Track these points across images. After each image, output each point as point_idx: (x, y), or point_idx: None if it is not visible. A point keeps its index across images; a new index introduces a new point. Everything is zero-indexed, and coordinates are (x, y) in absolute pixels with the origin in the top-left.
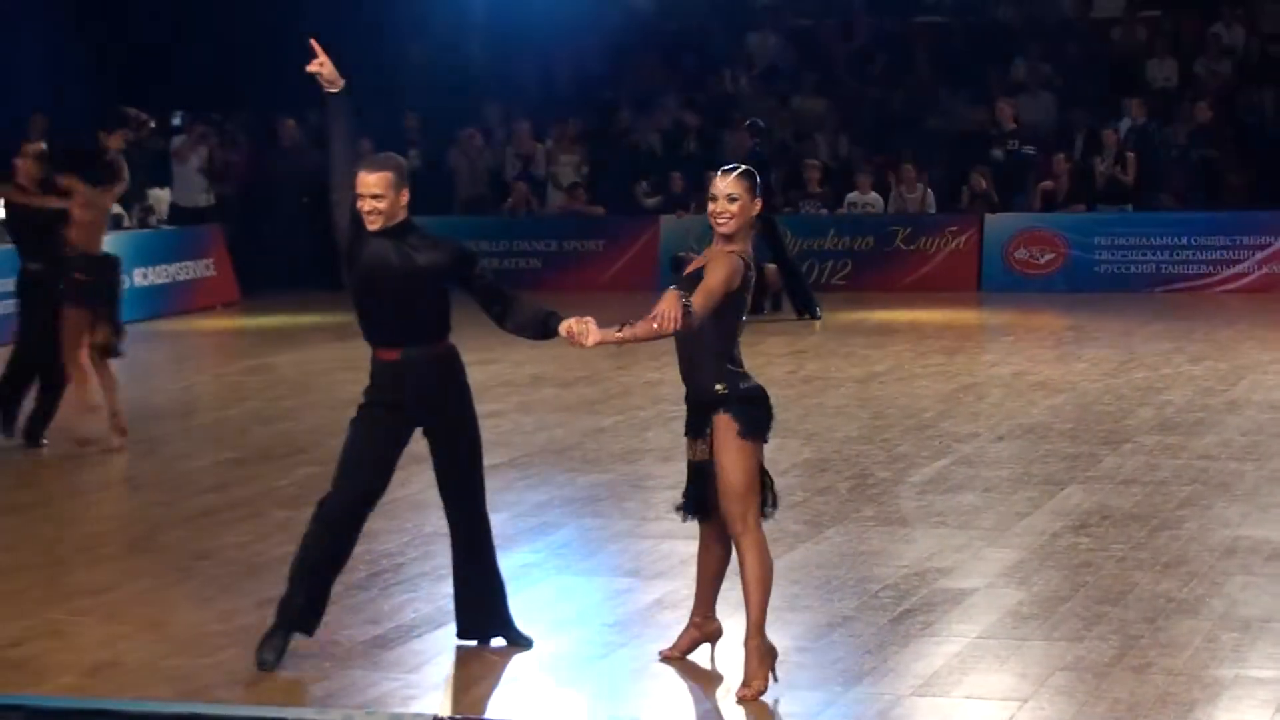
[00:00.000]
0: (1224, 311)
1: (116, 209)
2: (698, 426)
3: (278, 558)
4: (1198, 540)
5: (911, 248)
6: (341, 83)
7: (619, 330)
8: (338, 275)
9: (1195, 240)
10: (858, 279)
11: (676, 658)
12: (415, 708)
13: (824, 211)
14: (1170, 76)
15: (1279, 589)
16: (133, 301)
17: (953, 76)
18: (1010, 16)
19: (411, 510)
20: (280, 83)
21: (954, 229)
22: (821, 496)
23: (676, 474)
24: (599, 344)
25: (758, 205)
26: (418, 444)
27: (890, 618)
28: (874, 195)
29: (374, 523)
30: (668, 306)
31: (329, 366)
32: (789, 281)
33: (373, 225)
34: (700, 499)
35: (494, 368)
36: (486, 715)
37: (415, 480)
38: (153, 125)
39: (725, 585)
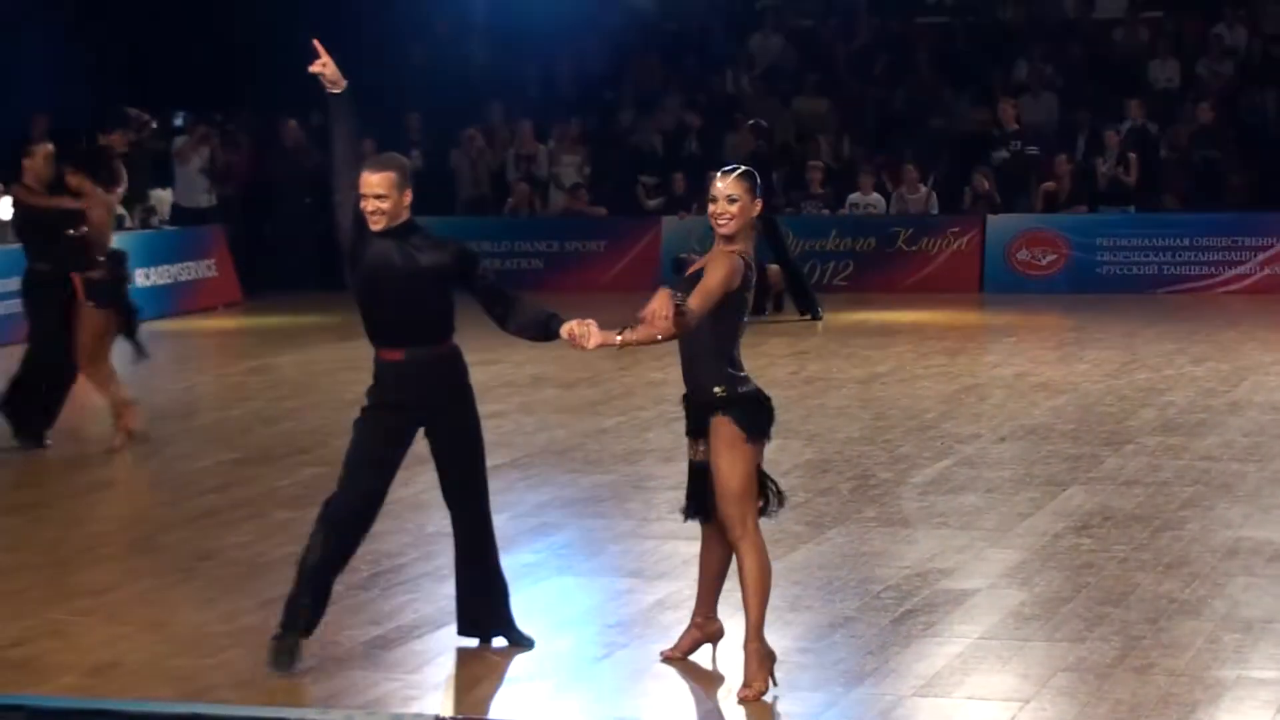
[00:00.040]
0: (1226, 312)
1: (119, 209)
2: (697, 427)
3: (280, 558)
4: (1200, 541)
5: (913, 249)
6: (344, 83)
7: (620, 333)
8: (340, 275)
9: (1197, 241)
10: (860, 280)
11: (678, 658)
12: (416, 708)
13: (825, 212)
14: (1172, 77)
15: None
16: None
17: (955, 77)
18: (1012, 17)
19: (413, 511)
20: (282, 83)
21: (956, 230)
22: (823, 497)
23: (678, 475)
24: (600, 346)
25: (758, 206)
26: (419, 444)
27: (892, 618)
28: (876, 196)
29: (376, 523)
30: (658, 305)
31: (331, 367)
32: (791, 282)
33: (376, 225)
34: (701, 500)
35: (496, 368)
36: (488, 716)
37: (417, 480)
38: (154, 125)
39: (727, 586)
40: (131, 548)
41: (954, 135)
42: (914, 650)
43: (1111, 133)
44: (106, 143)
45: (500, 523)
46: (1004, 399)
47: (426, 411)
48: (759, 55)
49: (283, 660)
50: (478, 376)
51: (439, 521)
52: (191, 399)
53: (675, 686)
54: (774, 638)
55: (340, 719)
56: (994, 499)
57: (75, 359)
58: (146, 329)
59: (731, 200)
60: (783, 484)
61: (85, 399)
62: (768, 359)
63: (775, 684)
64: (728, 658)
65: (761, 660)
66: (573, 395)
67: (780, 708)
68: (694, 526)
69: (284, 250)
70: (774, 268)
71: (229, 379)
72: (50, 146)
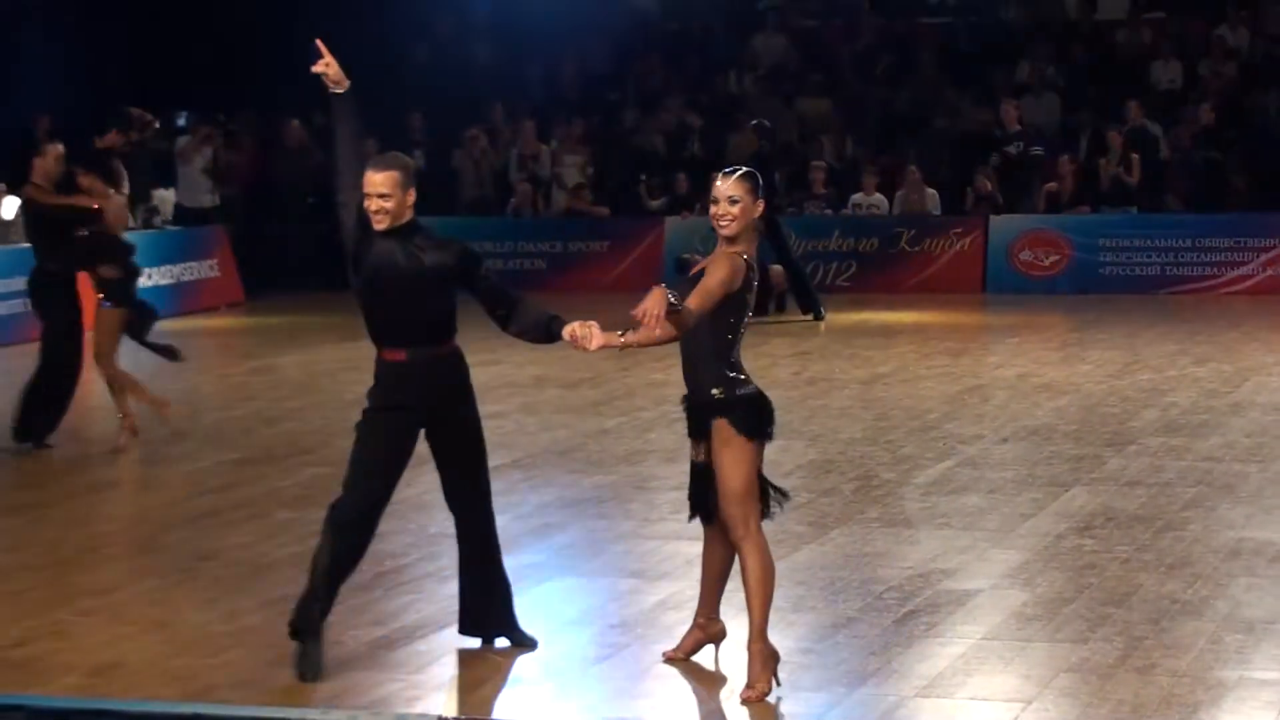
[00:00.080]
0: (1229, 313)
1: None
2: (698, 429)
3: (282, 559)
4: (1202, 542)
5: (916, 249)
6: (346, 83)
7: (622, 335)
8: (343, 276)
9: (1200, 242)
10: (862, 280)
11: (681, 658)
12: (420, 708)
13: (828, 212)
14: (1175, 78)
15: None
16: None
17: (958, 78)
18: (1015, 18)
19: (416, 511)
20: (285, 84)
21: (959, 230)
22: (826, 498)
23: (680, 475)
24: (602, 348)
25: (760, 207)
26: (421, 445)
27: (894, 619)
28: (879, 196)
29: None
30: (651, 303)
31: (333, 367)
32: (794, 283)
33: (380, 225)
34: (703, 501)
35: (497, 368)
36: (491, 716)
37: (420, 481)
38: (156, 125)
39: (730, 586)
40: (133, 548)
41: (957, 136)
42: (916, 651)
43: (1114, 133)
44: (104, 144)
45: (503, 523)
46: (1006, 400)
47: (428, 412)
48: (762, 55)
49: (305, 670)
50: (479, 377)
51: (442, 522)
52: (194, 399)
53: (678, 687)
54: (776, 638)
55: (343, 719)
56: (996, 500)
57: (81, 360)
58: (150, 329)
59: (733, 201)
60: (785, 485)
61: (88, 400)
62: (770, 359)
63: (779, 684)
64: (730, 658)
65: (765, 661)
66: (575, 396)
67: (783, 708)
68: (696, 527)
69: (286, 250)
70: (776, 268)
71: (231, 379)
72: (60, 147)
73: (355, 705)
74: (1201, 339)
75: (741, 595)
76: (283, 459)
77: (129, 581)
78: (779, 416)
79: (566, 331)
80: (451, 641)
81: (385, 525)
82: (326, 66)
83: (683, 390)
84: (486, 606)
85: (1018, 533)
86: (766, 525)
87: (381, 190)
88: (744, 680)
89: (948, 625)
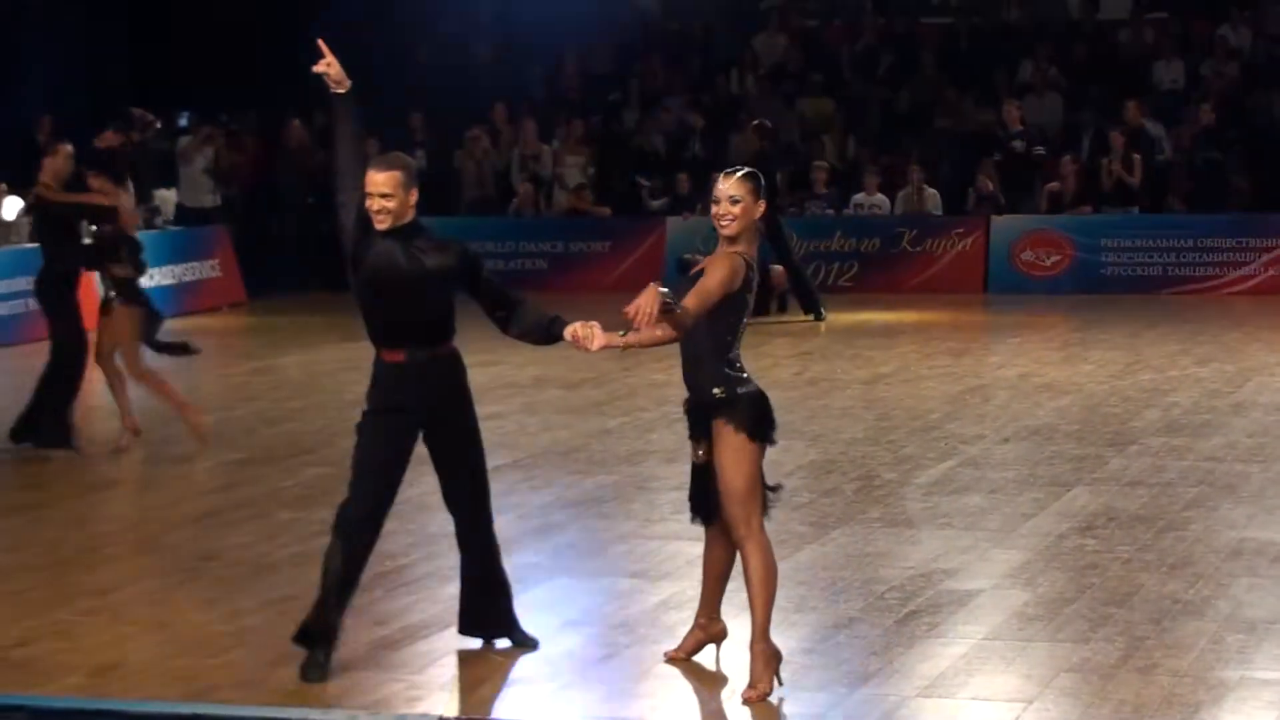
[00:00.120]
0: (1231, 313)
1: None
2: (699, 428)
3: (284, 559)
4: (1204, 542)
5: (918, 249)
6: (348, 83)
7: (624, 335)
8: (344, 276)
9: (1202, 242)
10: (864, 280)
11: (682, 659)
12: (421, 709)
13: (830, 212)
14: (1177, 78)
15: None
16: None
17: (960, 78)
18: (1017, 18)
19: (417, 512)
20: (286, 83)
21: (960, 230)
22: (827, 498)
23: (681, 475)
24: (604, 348)
25: (761, 207)
26: (420, 445)
27: (896, 619)
28: (880, 196)
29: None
30: (644, 301)
31: (335, 367)
32: (794, 283)
33: (381, 224)
34: (704, 501)
35: (498, 369)
36: (492, 716)
37: (421, 482)
38: (158, 126)
39: (731, 586)
40: (135, 548)
41: (959, 136)
42: (918, 651)
43: (1116, 133)
44: (104, 144)
45: (504, 524)
46: (1008, 400)
47: (427, 413)
48: (763, 55)
49: (314, 672)
50: (480, 378)
51: (443, 523)
52: (195, 399)
53: (679, 687)
54: (778, 638)
55: (345, 719)
56: (998, 500)
57: (86, 360)
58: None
59: (734, 201)
60: (787, 485)
61: (88, 399)
62: (771, 360)
63: (781, 684)
64: (731, 658)
65: (767, 661)
66: (576, 396)
67: (784, 708)
68: (697, 527)
69: (288, 250)
70: (778, 269)
71: (233, 379)
72: (70, 146)
73: (357, 705)
74: (1203, 339)
75: (743, 595)
76: (284, 459)
77: (130, 581)
78: (781, 417)
79: (568, 332)
80: (453, 642)
81: (386, 525)
82: (328, 66)
83: (683, 391)
84: (487, 607)
85: (1019, 533)
86: (767, 524)
87: (384, 190)
88: (745, 680)
89: (949, 625)
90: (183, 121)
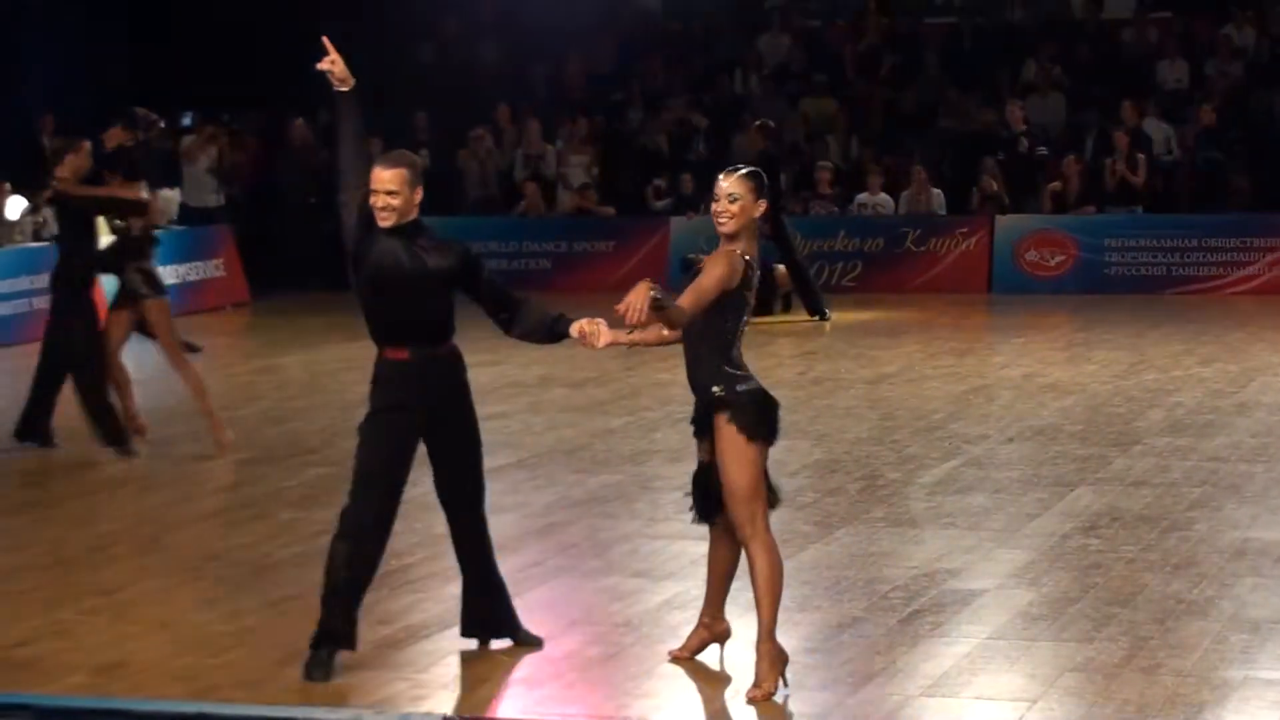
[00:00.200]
0: (1234, 313)
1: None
2: (701, 428)
3: (287, 558)
4: (1207, 542)
5: (922, 249)
6: (352, 82)
7: (630, 333)
8: (345, 275)
9: (1206, 242)
10: (868, 280)
11: (686, 658)
12: (425, 707)
13: (835, 210)
14: (1181, 78)
15: None
16: None
17: (963, 78)
18: (1021, 18)
19: (421, 511)
20: (289, 82)
21: (964, 230)
22: (831, 497)
23: (686, 475)
24: (610, 345)
25: (761, 206)
26: (421, 444)
27: (900, 618)
28: (884, 196)
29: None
30: (634, 297)
31: (338, 367)
32: (798, 283)
33: (385, 222)
34: (708, 500)
35: (501, 368)
36: (496, 715)
37: (424, 481)
38: (161, 125)
39: (735, 586)
40: (137, 548)
41: (962, 136)
42: (921, 650)
43: (1120, 133)
44: (113, 141)
45: (507, 522)
46: (1012, 400)
47: (429, 412)
48: (767, 55)
49: (315, 675)
50: (484, 377)
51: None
52: (193, 400)
53: (683, 686)
54: (782, 638)
55: (349, 718)
56: (1002, 499)
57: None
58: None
59: (732, 199)
60: (791, 484)
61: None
62: (775, 359)
63: (786, 685)
64: (735, 658)
65: (773, 661)
66: (580, 395)
67: (788, 707)
68: (701, 526)
69: (291, 250)
70: (781, 268)
71: (236, 379)
72: (89, 143)
73: (361, 704)
74: (1207, 339)
75: (747, 594)
76: (287, 459)
77: (133, 581)
78: (785, 416)
79: (574, 329)
80: (456, 641)
81: None
82: (332, 64)
83: (687, 390)
84: (488, 609)
85: (1023, 532)
86: (771, 524)
87: (389, 187)
88: (750, 679)
89: (953, 625)
90: (186, 121)
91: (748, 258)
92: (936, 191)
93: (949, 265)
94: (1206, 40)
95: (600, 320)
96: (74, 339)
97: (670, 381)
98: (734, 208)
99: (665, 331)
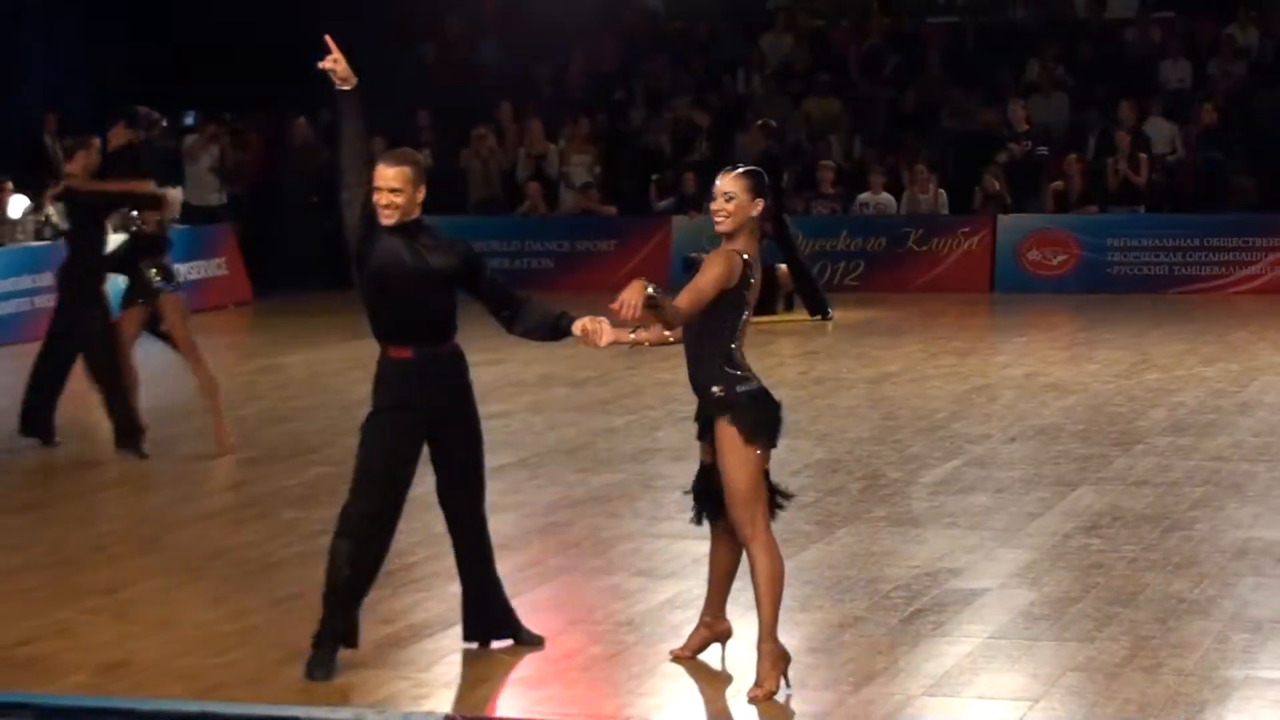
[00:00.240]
0: (1236, 313)
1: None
2: (703, 428)
3: (289, 558)
4: (1209, 541)
5: (924, 249)
6: (354, 81)
7: (633, 331)
8: (349, 274)
9: (1208, 242)
10: (870, 280)
11: (687, 657)
12: (427, 706)
13: (837, 210)
14: (1184, 78)
15: None
16: None
17: (966, 77)
18: (1023, 17)
19: (423, 510)
20: (291, 82)
21: (966, 230)
22: (833, 497)
23: (687, 474)
24: (612, 344)
25: (758, 205)
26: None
27: (901, 618)
28: (886, 196)
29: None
30: (628, 295)
31: (340, 366)
32: (799, 282)
33: (388, 220)
34: (704, 499)
35: (503, 367)
36: (497, 714)
37: (426, 480)
38: (164, 124)
39: (737, 585)
40: (139, 547)
41: (965, 135)
42: (923, 650)
43: (1122, 133)
44: (117, 140)
45: (509, 522)
46: (1014, 399)
47: (433, 411)
48: (770, 55)
49: (317, 673)
50: (486, 376)
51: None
52: (199, 399)
53: (684, 686)
54: (784, 637)
55: (350, 717)
56: (1004, 499)
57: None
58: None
59: (728, 198)
60: (792, 484)
61: (92, 398)
62: (777, 359)
63: (788, 685)
64: (737, 657)
65: (775, 661)
66: (582, 394)
67: (790, 706)
68: (703, 525)
69: (293, 249)
70: (784, 268)
71: (238, 378)
72: (98, 140)
73: (362, 703)
74: (1209, 338)
75: (749, 594)
76: (289, 458)
77: (135, 580)
78: (786, 416)
79: (577, 327)
80: (458, 640)
81: None
82: (334, 63)
83: (689, 390)
84: (489, 611)
85: (1025, 532)
86: (773, 523)
87: (393, 185)
88: (751, 679)
89: (954, 624)
90: (188, 120)
91: (747, 257)
92: (939, 191)
93: (951, 265)
94: (1209, 40)
95: (603, 319)
96: (91, 331)
97: (672, 380)
98: (730, 206)
99: (668, 332)
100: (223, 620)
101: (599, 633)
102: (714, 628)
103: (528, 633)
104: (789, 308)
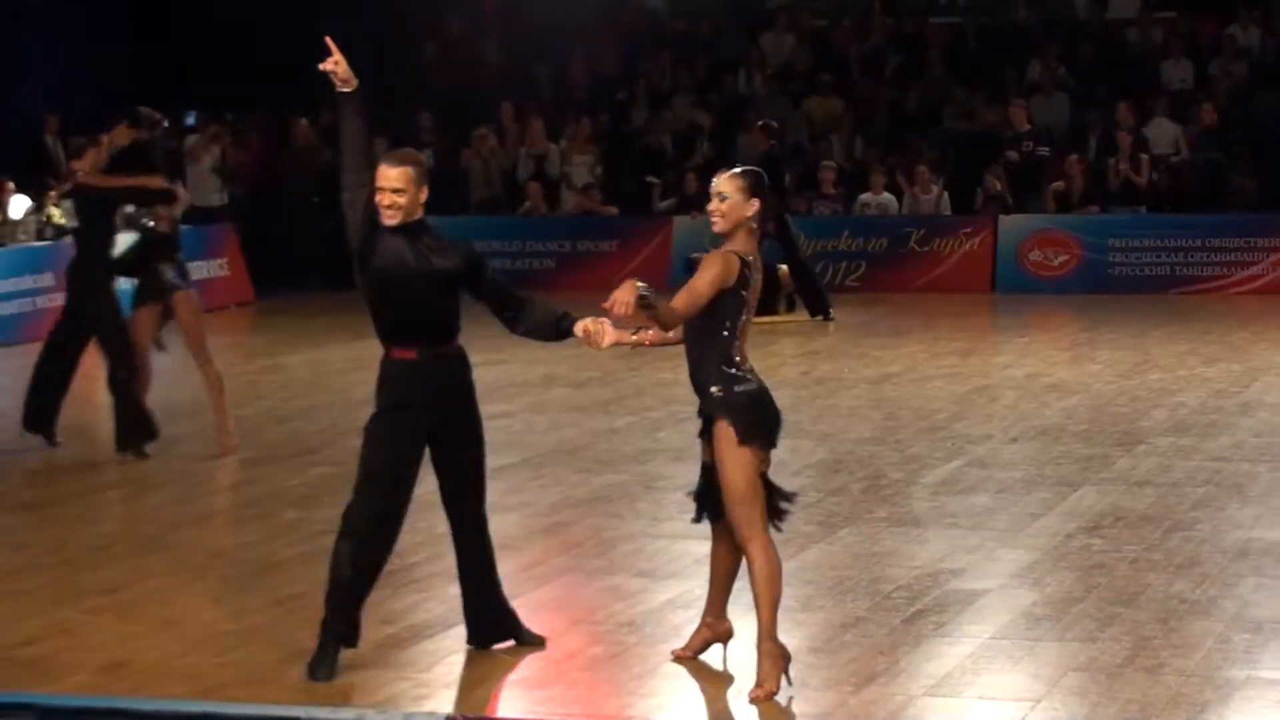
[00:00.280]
0: (1238, 313)
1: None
2: (703, 428)
3: (290, 557)
4: (1210, 542)
5: (925, 249)
6: (355, 82)
7: (635, 333)
8: (351, 275)
9: (1209, 242)
10: (871, 280)
11: (689, 658)
12: (428, 707)
13: (839, 210)
14: (1185, 78)
15: None
16: None
17: (968, 77)
18: (1025, 17)
19: (424, 511)
20: (293, 82)
21: (968, 230)
22: (834, 497)
23: (689, 474)
24: (614, 345)
25: (753, 205)
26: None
27: (903, 618)
28: (888, 196)
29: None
30: (621, 294)
31: (342, 366)
32: (800, 282)
33: (391, 220)
34: (708, 500)
35: (505, 368)
36: (498, 715)
37: (427, 481)
38: (165, 124)
39: (738, 586)
40: (141, 546)
41: (967, 136)
42: (925, 650)
43: (1124, 133)
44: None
45: (511, 522)
46: (1015, 400)
47: (436, 412)
48: (771, 55)
49: (319, 674)
50: (488, 376)
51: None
52: (202, 398)
53: (686, 686)
54: (785, 637)
55: (352, 717)
56: (1005, 499)
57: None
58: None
59: (722, 198)
60: (794, 484)
61: (94, 398)
62: (779, 359)
63: (790, 684)
64: (738, 658)
65: (775, 660)
66: (583, 395)
67: (791, 707)
68: (704, 526)
69: (294, 249)
70: (784, 268)
71: (240, 378)
72: (107, 138)
73: (363, 704)
74: (1211, 339)
75: (750, 595)
76: (291, 458)
77: (137, 580)
78: (787, 416)
79: (579, 328)
80: (459, 640)
81: None
82: (335, 65)
83: (690, 390)
84: (492, 614)
85: (1026, 532)
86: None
87: (396, 185)
88: (752, 679)
89: (956, 625)
90: (190, 120)
91: (745, 258)
92: (941, 191)
93: (953, 265)
94: (1211, 40)
95: (605, 320)
96: (102, 318)
97: (673, 381)
98: (723, 206)
99: (670, 333)
100: (224, 620)
101: (600, 633)
102: (715, 628)
103: (529, 633)
104: (790, 308)
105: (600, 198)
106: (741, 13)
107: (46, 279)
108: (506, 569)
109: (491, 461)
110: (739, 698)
